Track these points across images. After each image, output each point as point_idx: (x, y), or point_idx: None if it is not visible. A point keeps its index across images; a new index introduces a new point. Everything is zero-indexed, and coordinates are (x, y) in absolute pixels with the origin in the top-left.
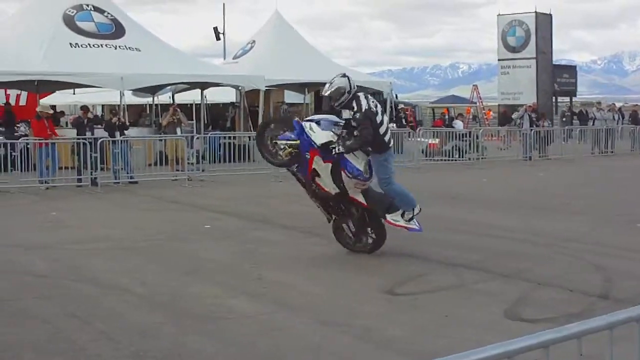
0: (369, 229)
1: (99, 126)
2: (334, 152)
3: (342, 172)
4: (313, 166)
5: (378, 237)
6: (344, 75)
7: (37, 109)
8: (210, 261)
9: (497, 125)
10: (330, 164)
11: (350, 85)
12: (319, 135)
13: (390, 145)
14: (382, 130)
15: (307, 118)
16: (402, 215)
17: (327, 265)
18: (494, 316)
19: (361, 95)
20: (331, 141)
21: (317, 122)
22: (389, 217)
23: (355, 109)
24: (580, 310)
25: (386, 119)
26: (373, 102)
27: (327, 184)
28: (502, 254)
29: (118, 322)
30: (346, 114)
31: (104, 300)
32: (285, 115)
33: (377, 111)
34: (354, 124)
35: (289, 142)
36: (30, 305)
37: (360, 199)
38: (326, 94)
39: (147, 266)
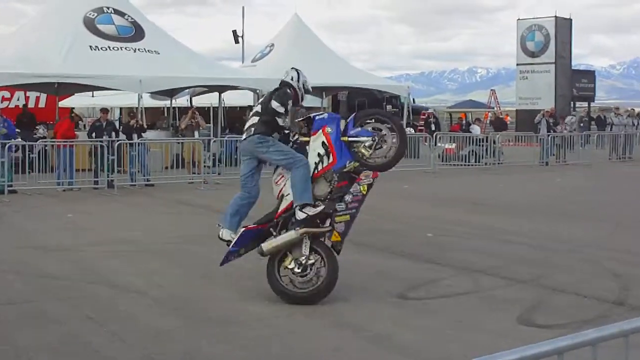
0: None
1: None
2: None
3: None
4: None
5: None
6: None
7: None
8: (226, 265)
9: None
10: None
11: (287, 75)
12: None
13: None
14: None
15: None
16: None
17: (342, 269)
18: (508, 322)
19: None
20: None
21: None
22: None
23: None
24: (594, 316)
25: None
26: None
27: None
28: (518, 259)
29: (132, 324)
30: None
31: (119, 302)
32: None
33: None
34: None
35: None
36: (46, 308)
37: None
38: None
39: (162, 269)
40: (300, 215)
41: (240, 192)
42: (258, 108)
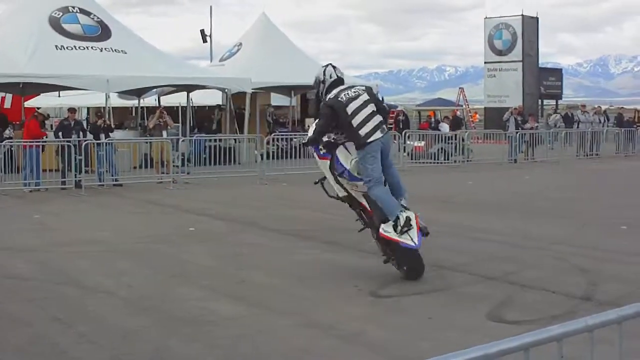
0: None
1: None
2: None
3: (332, 169)
4: (319, 164)
5: (395, 257)
6: (326, 65)
7: (37, 110)
8: (194, 264)
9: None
10: (327, 162)
11: (324, 75)
12: (310, 131)
13: (369, 140)
14: (355, 122)
15: None
16: (395, 227)
17: (312, 268)
18: (478, 319)
19: (341, 87)
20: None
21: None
22: (381, 228)
23: (325, 99)
24: (562, 312)
25: (367, 110)
26: (354, 91)
27: (331, 185)
28: (488, 256)
29: (101, 325)
30: None
31: (88, 303)
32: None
33: (346, 102)
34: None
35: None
36: (13, 309)
37: (365, 203)
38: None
39: (131, 269)
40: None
41: (381, 186)
42: (372, 107)
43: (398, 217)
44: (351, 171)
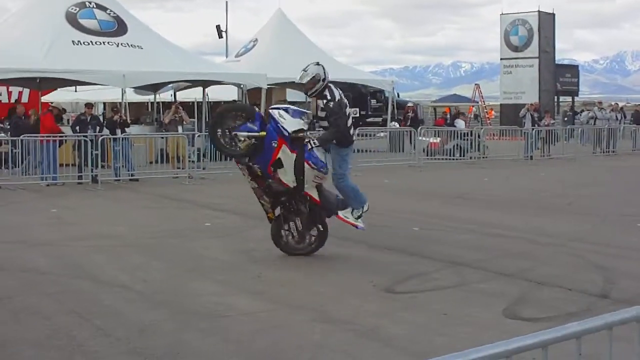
0: (316, 226)
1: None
2: (309, 147)
3: (306, 163)
4: (279, 155)
5: (322, 236)
6: (318, 64)
7: (51, 104)
8: (210, 259)
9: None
10: (295, 155)
11: (324, 73)
12: (290, 123)
13: (353, 139)
14: (348, 123)
15: (273, 106)
16: (352, 212)
17: (327, 263)
18: (494, 315)
19: (332, 85)
20: (302, 129)
21: (286, 110)
22: (340, 213)
23: (329, 97)
24: (579, 309)
25: (350, 112)
26: (341, 93)
27: (288, 175)
28: (503, 253)
29: (117, 319)
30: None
31: (104, 297)
32: (244, 104)
33: (345, 102)
34: (322, 114)
35: (251, 133)
36: (31, 302)
37: (314, 194)
38: (303, 82)
39: (147, 263)
40: None
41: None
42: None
43: (363, 206)
44: (326, 165)
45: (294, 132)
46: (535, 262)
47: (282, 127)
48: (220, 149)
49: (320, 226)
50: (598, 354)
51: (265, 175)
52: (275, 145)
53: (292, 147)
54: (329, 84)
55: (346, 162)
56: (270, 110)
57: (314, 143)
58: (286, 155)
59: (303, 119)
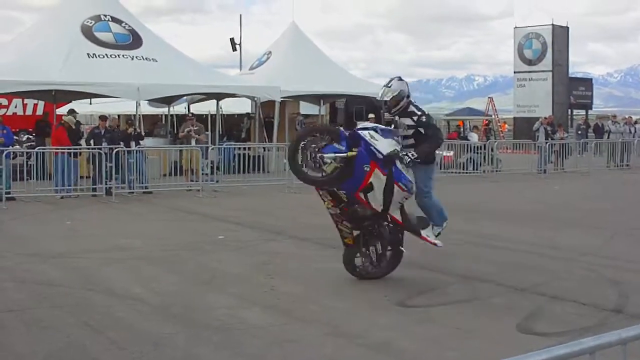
0: (397, 248)
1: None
2: (407, 161)
3: (396, 185)
4: (370, 180)
5: (398, 256)
6: (401, 79)
7: (63, 118)
8: (223, 272)
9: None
10: (385, 177)
11: (408, 90)
12: (383, 144)
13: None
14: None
15: (360, 126)
16: (432, 229)
17: (340, 277)
18: (507, 329)
19: (413, 100)
20: (395, 149)
21: (375, 130)
22: (423, 233)
23: (419, 113)
24: (593, 324)
25: None
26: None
27: (377, 199)
28: (516, 267)
29: (130, 331)
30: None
31: (118, 310)
32: (326, 124)
33: None
34: (409, 132)
35: (339, 155)
36: (44, 315)
37: (397, 216)
38: (386, 99)
39: (160, 276)
40: None
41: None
42: None
43: (443, 223)
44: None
45: (388, 154)
46: (549, 276)
47: (376, 149)
48: (301, 177)
49: (401, 247)
50: None
51: (352, 201)
52: (368, 169)
53: (385, 169)
54: (410, 100)
55: (431, 179)
56: (359, 132)
57: (412, 155)
58: (378, 179)
59: (395, 139)
